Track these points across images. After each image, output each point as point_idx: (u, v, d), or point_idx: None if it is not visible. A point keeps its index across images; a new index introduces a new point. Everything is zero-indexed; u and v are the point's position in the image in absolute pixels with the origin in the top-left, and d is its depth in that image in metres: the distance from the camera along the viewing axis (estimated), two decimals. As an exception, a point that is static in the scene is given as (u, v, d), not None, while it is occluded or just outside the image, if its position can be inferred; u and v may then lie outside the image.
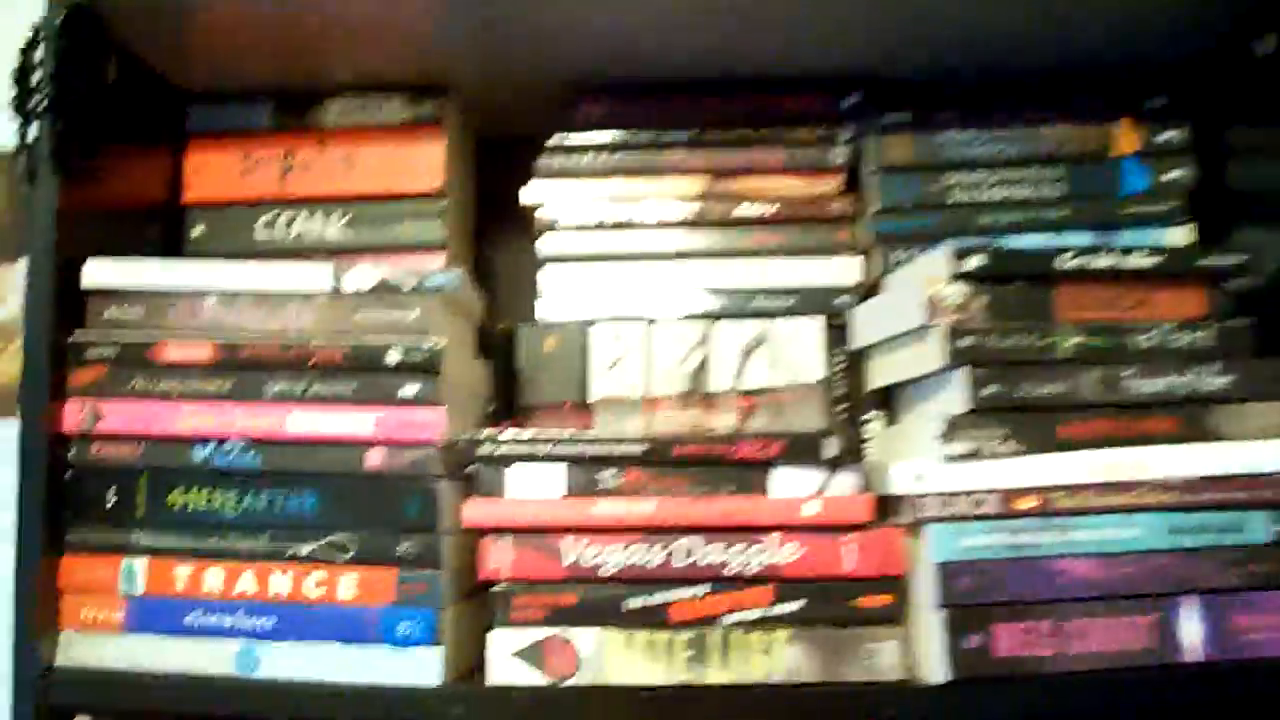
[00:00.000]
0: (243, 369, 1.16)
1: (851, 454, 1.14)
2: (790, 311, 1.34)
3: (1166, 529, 1.14)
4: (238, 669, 1.15)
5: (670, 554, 1.10)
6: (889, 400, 1.33)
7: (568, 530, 1.11)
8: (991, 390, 1.12)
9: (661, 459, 1.12)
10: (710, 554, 1.11)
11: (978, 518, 1.13)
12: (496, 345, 1.32)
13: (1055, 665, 1.11)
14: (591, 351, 1.31)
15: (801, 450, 1.11)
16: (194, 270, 1.19)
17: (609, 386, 1.27)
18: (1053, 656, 1.10)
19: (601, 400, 1.26)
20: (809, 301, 1.34)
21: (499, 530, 1.11)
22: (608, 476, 1.12)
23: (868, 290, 1.34)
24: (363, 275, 1.16)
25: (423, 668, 1.10)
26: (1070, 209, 1.35)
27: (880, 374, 1.27)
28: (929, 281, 1.13)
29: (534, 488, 1.12)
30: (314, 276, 1.17)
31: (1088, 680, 1.10)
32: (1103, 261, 1.16)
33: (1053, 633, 1.09)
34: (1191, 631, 1.12)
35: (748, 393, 1.27)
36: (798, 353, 1.28)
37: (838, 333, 1.33)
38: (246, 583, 1.15)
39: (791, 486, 1.12)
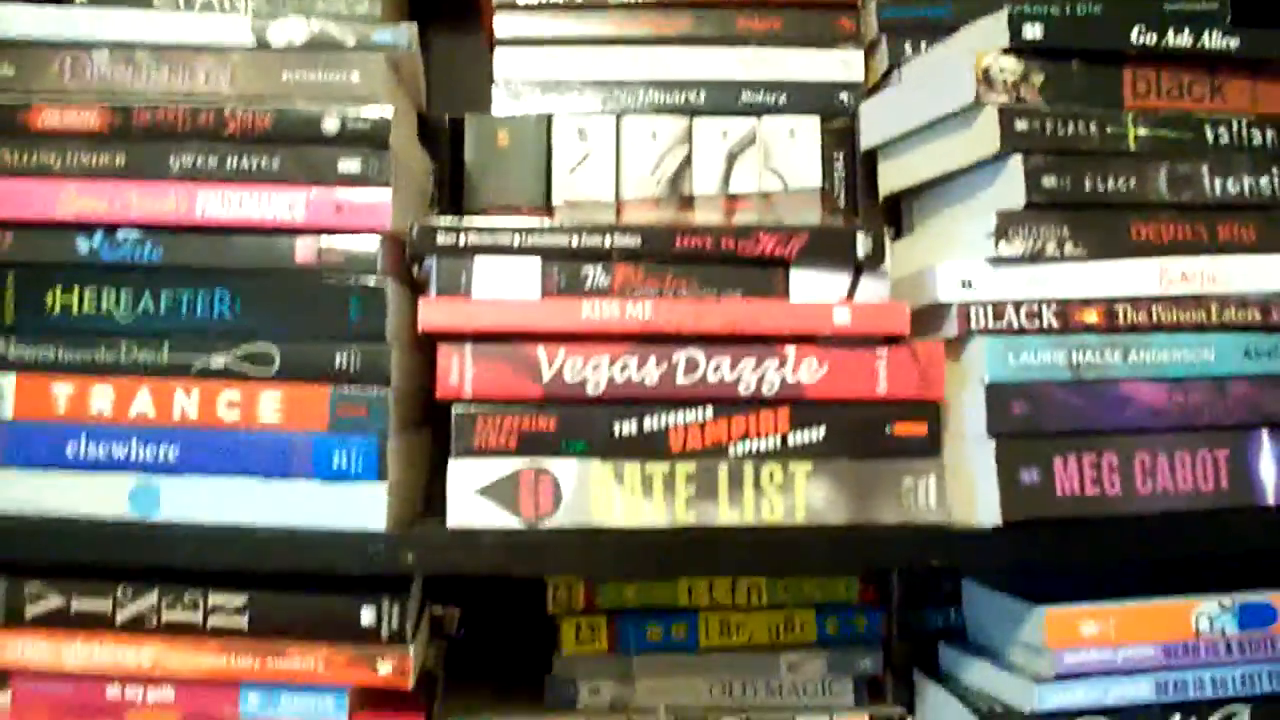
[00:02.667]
0: (141, 139, 0.94)
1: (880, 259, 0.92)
2: (782, 109, 1.15)
3: (1242, 351, 0.98)
4: (133, 509, 0.94)
5: (669, 369, 0.90)
6: (897, 215, 1.13)
7: (546, 338, 0.90)
8: (1050, 182, 0.92)
9: (660, 253, 0.91)
10: (717, 370, 0.90)
11: (1034, 332, 0.96)
12: (441, 138, 1.08)
13: (1122, 506, 0.94)
14: (554, 149, 1.11)
15: (829, 247, 0.91)
16: (80, 18, 0.97)
17: (574, 189, 1.05)
18: (1121, 496, 0.91)
19: (566, 203, 1.05)
20: (804, 98, 1.16)
21: (462, 337, 0.88)
22: (594, 274, 0.90)
23: (870, 89, 1.16)
24: (292, 27, 0.93)
25: (363, 507, 0.90)
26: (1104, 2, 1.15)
27: (899, 175, 1.08)
28: (978, 55, 0.92)
29: (504, 287, 0.89)
30: (231, 28, 0.94)
31: (1157, 524, 0.95)
32: (1181, 40, 0.97)
33: (1119, 468, 0.90)
34: (1269, 469, 0.98)
35: (735, 197, 1.05)
36: (793, 155, 1.11)
37: (834, 137, 1.15)
38: (143, 403, 0.94)
39: (813, 291, 0.90)
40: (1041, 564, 1.00)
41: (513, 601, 1.15)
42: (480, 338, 0.91)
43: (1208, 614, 0.98)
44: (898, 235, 1.12)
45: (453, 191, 1.11)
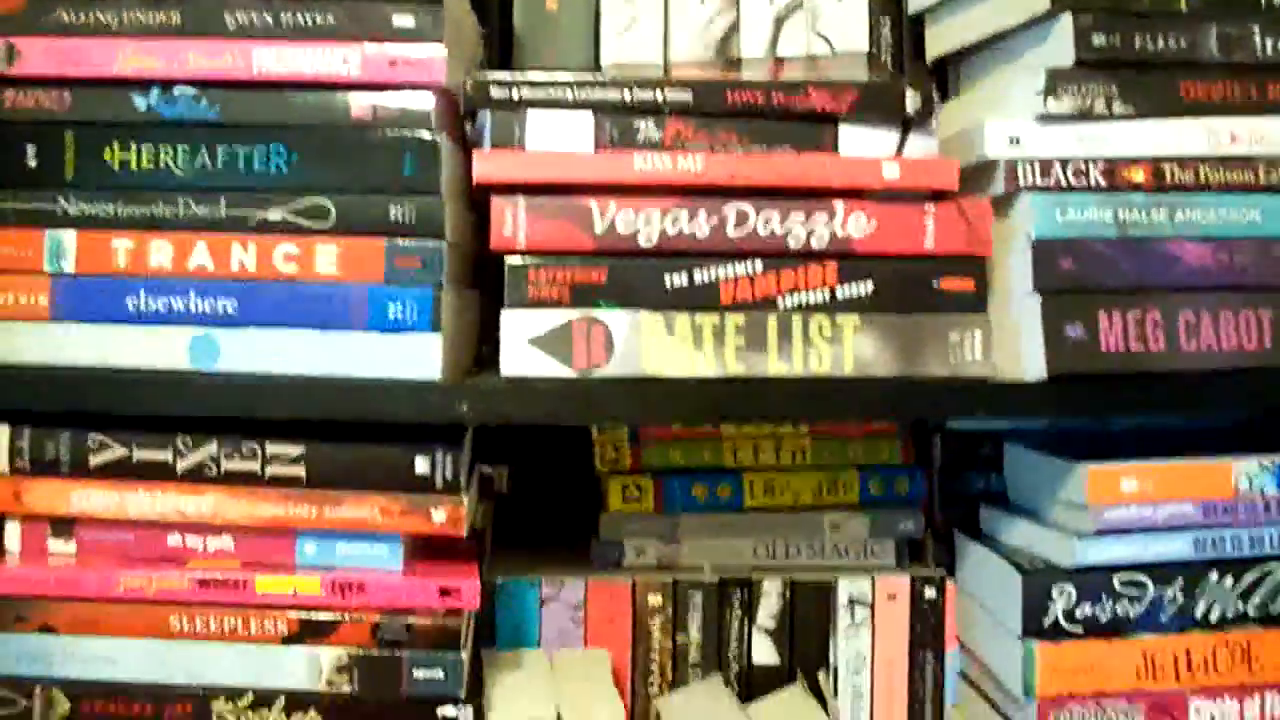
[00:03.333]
0: (196, -6, 0.92)
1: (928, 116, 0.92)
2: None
3: (1290, 214, 0.94)
4: (192, 361, 0.95)
5: (719, 222, 0.91)
6: (943, 80, 1.14)
7: (598, 190, 0.90)
8: (1100, 41, 0.93)
9: (710, 108, 0.92)
10: (767, 223, 0.91)
11: (1081, 189, 0.96)
12: (490, 3, 1.08)
13: (1166, 363, 0.94)
14: (602, 12, 1.12)
15: (878, 102, 0.93)
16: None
17: (622, 52, 1.05)
18: (1165, 353, 0.91)
19: (614, 67, 1.05)
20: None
21: (515, 189, 0.89)
22: (646, 128, 0.91)
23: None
24: (345, -114, 0.92)
25: (418, 358, 0.91)
26: None
27: (947, 36, 1.08)
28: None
29: (557, 140, 0.90)
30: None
31: (1200, 381, 0.96)
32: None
33: (1164, 325, 0.91)
34: (1313, 331, 0.93)
35: (782, 60, 1.05)
36: (840, 18, 1.13)
37: (881, 1, 1.15)
38: (201, 257, 0.95)
39: (862, 147, 0.91)
40: (1085, 418, 1.01)
41: (560, 462, 1.16)
42: (533, 190, 0.91)
43: (1247, 473, 0.99)
44: (944, 99, 1.11)
45: (502, 56, 1.11)
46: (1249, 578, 1.00)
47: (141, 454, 0.95)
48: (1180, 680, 0.99)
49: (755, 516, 1.14)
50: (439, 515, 0.93)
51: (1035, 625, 0.97)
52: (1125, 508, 0.97)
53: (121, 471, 0.95)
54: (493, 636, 1.11)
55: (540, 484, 1.21)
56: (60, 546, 0.96)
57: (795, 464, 1.14)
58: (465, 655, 0.93)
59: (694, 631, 1.11)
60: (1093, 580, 0.98)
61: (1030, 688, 0.97)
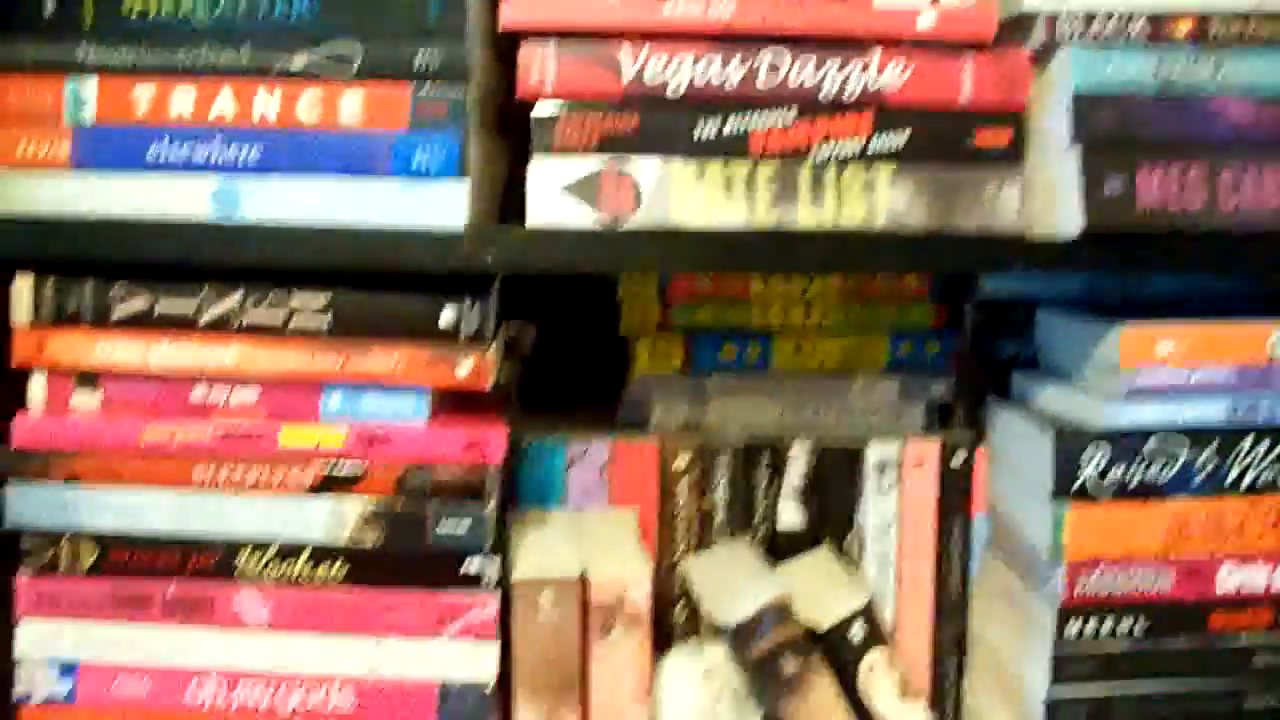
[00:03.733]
0: None
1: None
2: None
3: (1336, 69, 0.91)
4: (215, 210, 0.94)
5: (752, 70, 0.89)
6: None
7: (628, 35, 0.87)
8: (1144, -111, 0.88)
9: (745, -47, 0.88)
10: (800, 72, 0.89)
11: (1123, 42, 0.94)
12: None
13: (1205, 220, 0.92)
14: None
15: (917, -51, 0.88)
16: None
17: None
18: (1204, 210, 0.89)
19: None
20: None
21: (544, 34, 0.87)
22: (678, -27, 0.88)
23: None
24: None
25: (443, 206, 0.90)
26: None
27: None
28: None
29: (586, -16, 0.88)
30: None
31: (1240, 240, 0.94)
32: None
33: (1205, 182, 0.88)
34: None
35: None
36: None
37: None
38: (224, 105, 0.94)
39: (897, -2, 0.89)
40: (1120, 275, 0.99)
41: (587, 323, 1.15)
42: (562, 35, 0.89)
43: (1286, 337, 0.97)
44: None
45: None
46: (1284, 443, 0.97)
47: (165, 305, 0.94)
48: (1211, 545, 0.97)
49: (784, 379, 1.13)
50: (464, 367, 0.92)
51: (1066, 487, 0.96)
52: (1159, 370, 0.96)
53: (145, 323, 0.94)
54: (518, 496, 1.10)
55: (567, 345, 1.19)
56: (85, 399, 0.95)
57: (825, 326, 1.12)
58: (491, 509, 0.92)
59: (721, 494, 1.10)
60: (1125, 443, 0.97)
61: (1059, 550, 0.96)
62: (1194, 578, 0.99)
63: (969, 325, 1.15)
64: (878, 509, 1.11)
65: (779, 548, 1.12)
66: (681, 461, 1.10)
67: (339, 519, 0.93)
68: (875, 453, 1.11)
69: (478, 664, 0.95)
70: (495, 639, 0.94)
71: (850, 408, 1.14)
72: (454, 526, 0.93)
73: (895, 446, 1.11)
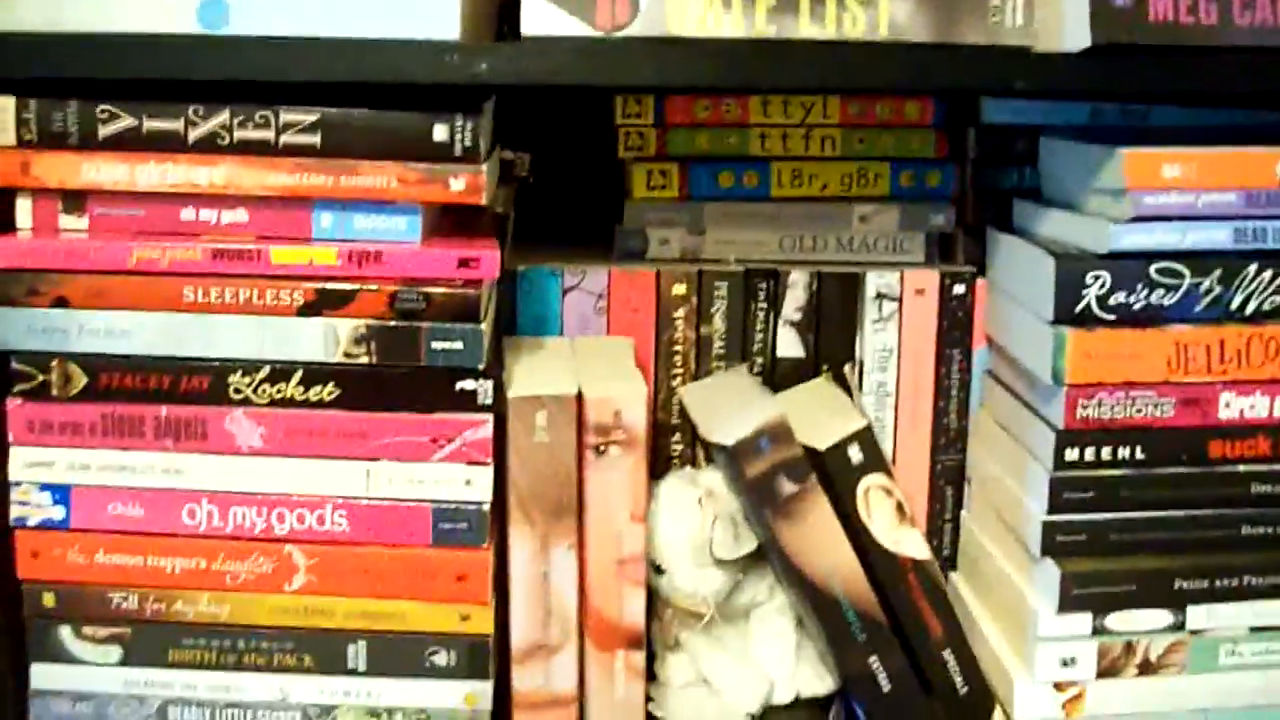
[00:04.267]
0: None
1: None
2: None
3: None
4: (201, 24, 0.91)
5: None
6: None
7: None
8: None
9: None
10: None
11: None
12: None
13: (1217, 37, 0.91)
14: None
15: None
16: None
17: None
18: (1217, 26, 0.90)
19: None
20: None
21: None
22: None
23: None
24: None
25: (436, 16, 0.88)
26: None
27: None
28: None
29: None
30: None
31: (1253, 58, 0.91)
32: None
33: (1219, -4, 0.86)
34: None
35: None
36: None
37: None
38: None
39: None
40: (1127, 93, 0.97)
41: (584, 151, 1.13)
42: None
43: (1293, 163, 0.95)
44: None
45: None
46: (1289, 271, 0.96)
47: (151, 124, 0.92)
48: (1211, 372, 0.97)
49: (782, 207, 1.12)
50: (457, 184, 0.91)
51: (1067, 312, 0.95)
52: (1165, 194, 0.94)
53: (131, 142, 0.92)
54: (514, 326, 1.09)
55: (565, 174, 1.17)
56: (72, 222, 0.94)
57: (825, 153, 1.11)
58: (485, 328, 0.91)
59: (718, 322, 1.09)
60: (1128, 267, 0.95)
61: (1060, 374, 0.95)
62: (1194, 405, 0.98)
63: (971, 154, 1.13)
64: (877, 339, 1.10)
65: (778, 377, 1.12)
66: (678, 290, 1.09)
67: (330, 339, 0.92)
68: (874, 282, 1.10)
69: (473, 485, 0.94)
70: (490, 460, 0.93)
71: (850, 237, 1.12)
72: (447, 345, 0.92)
73: (895, 276, 1.10)
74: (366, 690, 0.98)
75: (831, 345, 1.11)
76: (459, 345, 0.92)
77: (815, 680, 1.07)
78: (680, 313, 1.09)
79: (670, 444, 1.11)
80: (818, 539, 0.96)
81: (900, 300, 1.09)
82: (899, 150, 1.12)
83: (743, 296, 1.10)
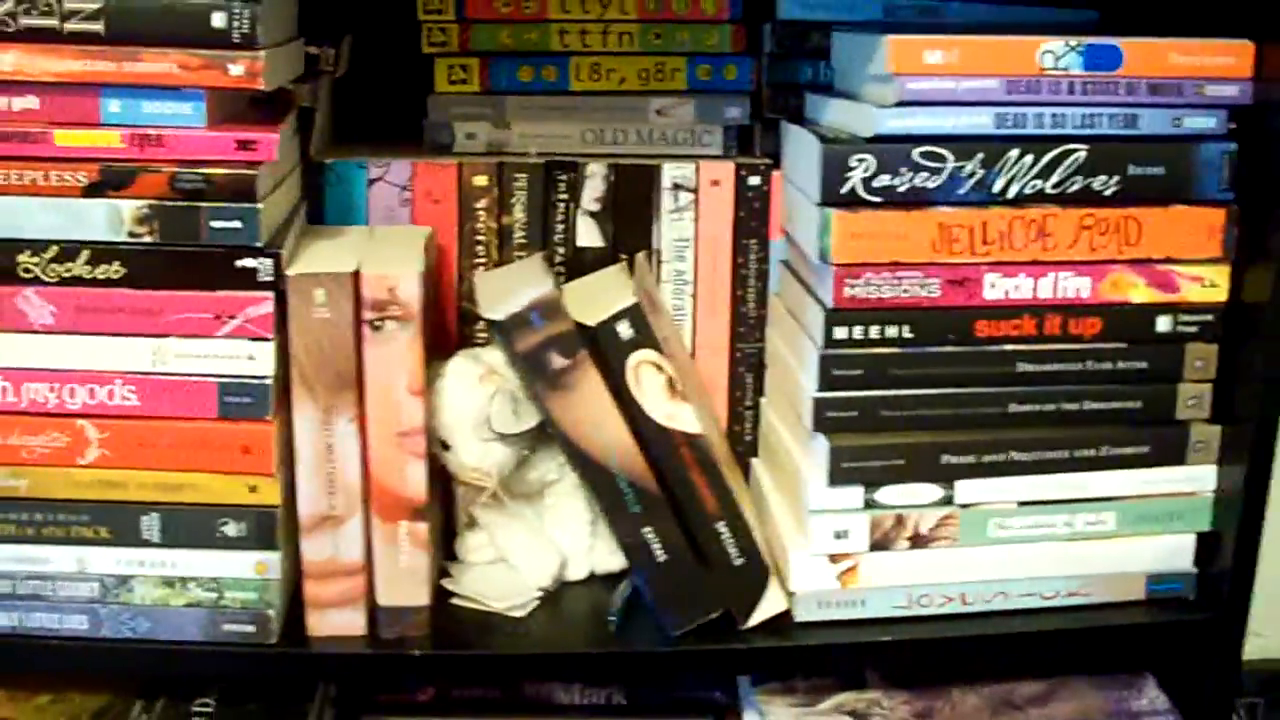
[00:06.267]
0: None
1: None
2: None
3: None
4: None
5: None
6: None
7: None
8: None
9: None
10: None
11: None
12: None
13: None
14: None
15: None
16: None
17: None
18: None
19: None
20: None
21: None
22: None
23: None
24: None
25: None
26: None
27: None
28: None
29: None
30: None
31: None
32: None
33: None
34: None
35: None
36: None
37: None
38: None
39: None
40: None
41: (397, 45, 1.15)
42: None
43: (1053, 51, 0.99)
44: None
45: None
46: (1049, 156, 1.00)
47: (-61, 14, 0.94)
48: (976, 254, 1.00)
49: (582, 100, 1.15)
50: (236, 69, 0.94)
51: (833, 193, 0.99)
52: (928, 80, 0.98)
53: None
54: (322, 217, 1.12)
55: (381, 70, 1.20)
56: None
57: (623, 48, 1.14)
58: (262, 207, 0.94)
59: (519, 213, 1.13)
60: (892, 150, 0.99)
61: (826, 254, 0.99)
62: (960, 286, 1.02)
63: (767, 49, 1.16)
64: (674, 229, 1.14)
65: (580, 266, 1.14)
66: (480, 181, 1.12)
67: (115, 219, 0.96)
68: (670, 173, 1.13)
69: (256, 360, 0.98)
70: (272, 336, 0.96)
71: (649, 130, 1.15)
72: (226, 224, 0.95)
73: (691, 168, 1.13)
74: (161, 560, 1.01)
75: (630, 235, 1.15)
76: (238, 224, 0.96)
77: (609, 557, 1.10)
78: (482, 204, 1.12)
79: (475, 332, 1.14)
80: (589, 412, 0.99)
81: (696, 191, 1.13)
82: (696, 45, 1.16)
83: (542, 188, 1.13)
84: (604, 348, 0.99)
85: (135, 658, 1.04)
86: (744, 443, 1.20)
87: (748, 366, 1.18)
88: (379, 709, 1.18)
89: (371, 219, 1.13)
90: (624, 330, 0.99)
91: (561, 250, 1.14)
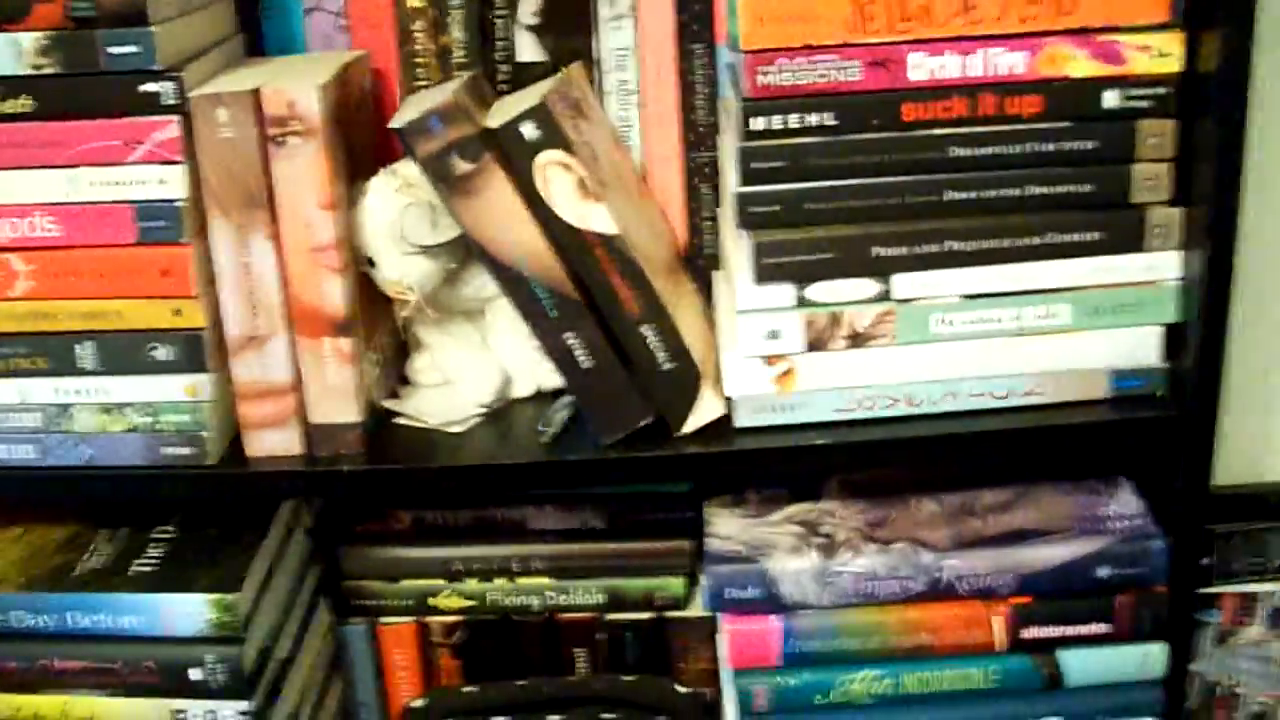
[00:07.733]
0: None
1: None
2: None
3: None
4: None
5: None
6: None
7: None
8: None
9: None
10: None
11: None
12: None
13: None
14: None
15: None
16: None
17: None
18: None
19: None
20: None
21: None
22: None
23: None
24: None
25: None
26: None
27: None
28: None
29: None
30: None
31: None
32: None
33: None
34: None
35: None
36: None
37: None
38: None
39: None
40: None
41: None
42: None
43: None
44: None
45: None
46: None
47: None
48: (896, 31, 0.96)
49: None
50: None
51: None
52: None
53: None
54: (261, 50, 1.12)
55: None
56: None
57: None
58: (157, 30, 0.95)
59: (456, 32, 1.12)
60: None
61: (735, 40, 0.95)
62: (882, 67, 0.98)
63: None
64: (614, 38, 1.11)
65: (523, 83, 1.13)
66: (415, 2, 1.11)
67: (16, 52, 0.97)
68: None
69: (168, 184, 0.99)
70: (182, 158, 0.97)
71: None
72: (123, 49, 0.96)
73: (629, -26, 1.09)
74: (97, 388, 1.03)
75: (570, 47, 1.12)
76: (135, 48, 0.96)
77: (555, 373, 1.09)
78: (419, 25, 1.12)
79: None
80: (498, 216, 0.98)
81: (635, -1, 1.09)
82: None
83: (479, 4, 1.11)
84: (509, 150, 0.97)
85: (85, 484, 1.07)
86: (705, 256, 1.16)
87: (702, 177, 1.15)
88: (355, 539, 1.19)
89: (310, 48, 1.12)
90: (529, 131, 0.97)
91: (504, 68, 1.13)
